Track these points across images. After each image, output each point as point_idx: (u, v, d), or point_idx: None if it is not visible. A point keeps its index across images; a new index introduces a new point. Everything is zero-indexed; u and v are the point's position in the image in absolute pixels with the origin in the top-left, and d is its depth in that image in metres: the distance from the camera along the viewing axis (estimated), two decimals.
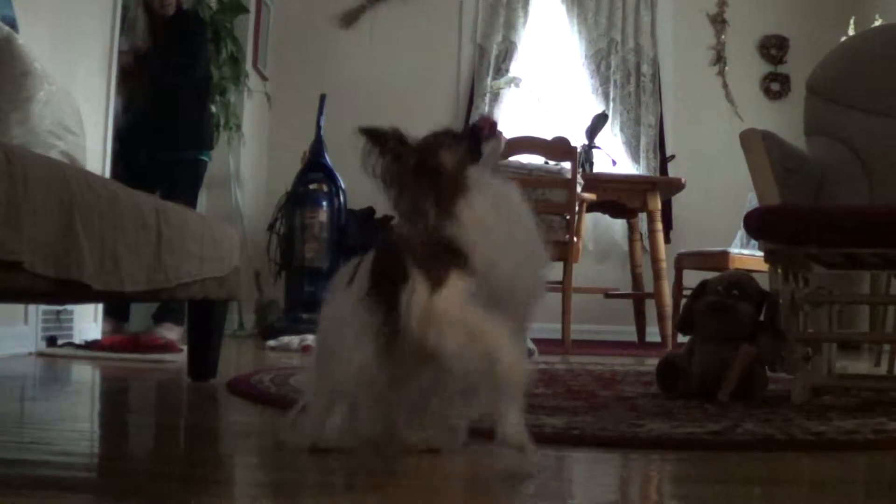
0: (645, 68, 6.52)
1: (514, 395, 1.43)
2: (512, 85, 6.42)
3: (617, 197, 5.29)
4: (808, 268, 2.55)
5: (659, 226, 5.26)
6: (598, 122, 5.77)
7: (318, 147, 5.65)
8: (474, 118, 1.41)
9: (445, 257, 1.45)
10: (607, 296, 5.86)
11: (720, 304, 2.51)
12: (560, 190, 4.65)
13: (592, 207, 5.29)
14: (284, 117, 6.44)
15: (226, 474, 1.58)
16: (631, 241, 5.95)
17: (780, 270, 2.46)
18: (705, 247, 5.26)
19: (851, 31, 5.52)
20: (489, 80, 6.46)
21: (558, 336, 4.83)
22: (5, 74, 2.54)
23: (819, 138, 3.12)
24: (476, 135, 1.56)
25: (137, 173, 4.18)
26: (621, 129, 6.45)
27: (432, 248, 1.46)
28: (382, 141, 1.55)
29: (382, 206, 6.49)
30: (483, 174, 1.56)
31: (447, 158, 1.52)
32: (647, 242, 5.65)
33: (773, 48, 6.56)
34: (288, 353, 4.18)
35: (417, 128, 1.58)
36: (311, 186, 5.51)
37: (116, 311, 4.27)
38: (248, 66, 5.81)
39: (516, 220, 1.57)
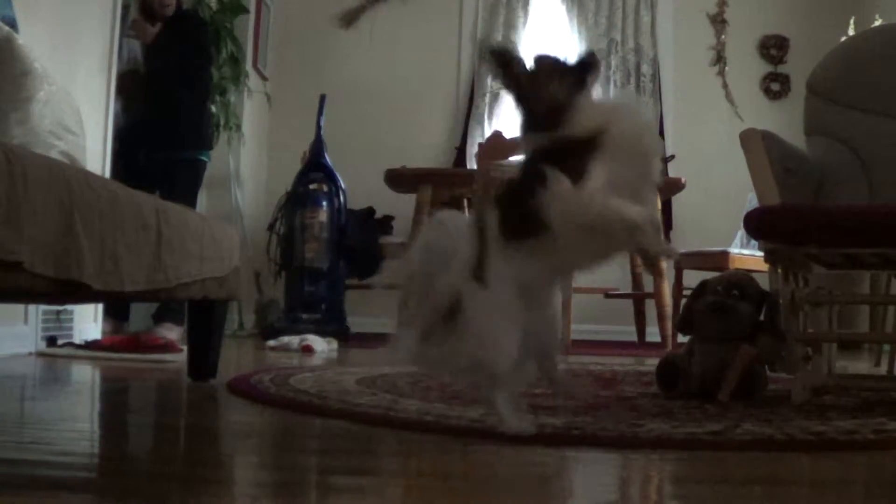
0: (645, 68, 6.53)
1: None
2: None
3: None
4: (808, 268, 2.54)
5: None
6: None
7: (318, 147, 5.65)
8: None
9: (577, 151, 1.66)
10: (607, 296, 5.85)
11: (720, 304, 2.51)
12: None
13: None
14: (284, 117, 6.44)
15: (226, 474, 1.58)
16: None
17: (780, 270, 2.46)
18: (705, 247, 5.26)
19: (851, 31, 5.51)
20: (489, 79, 6.45)
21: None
22: (5, 74, 2.54)
23: (819, 138, 3.12)
24: (583, 68, 1.78)
25: (137, 173, 4.17)
26: None
27: (562, 146, 1.68)
28: (505, 66, 1.81)
29: (382, 205, 6.48)
30: (587, 98, 1.79)
31: (557, 89, 1.77)
32: None
33: (773, 48, 6.56)
34: (288, 353, 4.18)
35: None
36: (311, 186, 5.51)
37: (116, 311, 4.28)
38: (248, 66, 5.81)
39: (624, 109, 1.83)
